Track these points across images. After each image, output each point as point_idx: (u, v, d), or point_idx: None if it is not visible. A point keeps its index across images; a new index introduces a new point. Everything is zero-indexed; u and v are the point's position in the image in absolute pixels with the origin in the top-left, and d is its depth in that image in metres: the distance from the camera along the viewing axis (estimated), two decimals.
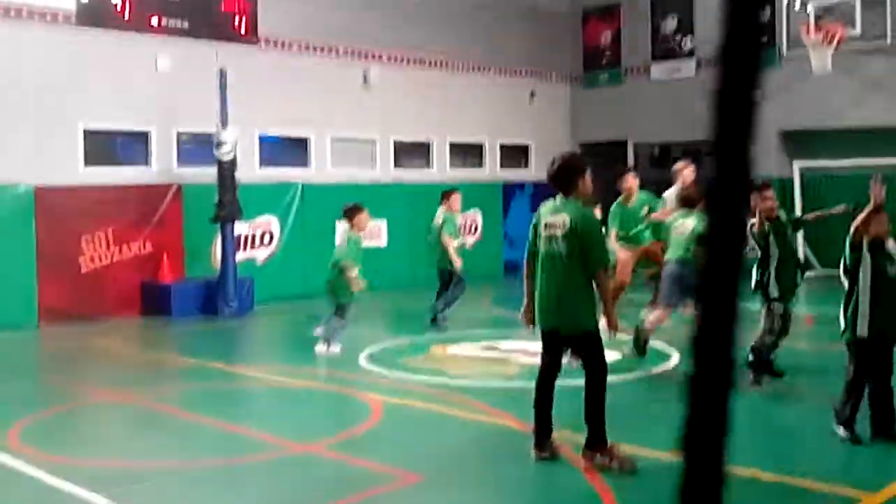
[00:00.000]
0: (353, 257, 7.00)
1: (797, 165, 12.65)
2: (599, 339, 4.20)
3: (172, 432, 5.09)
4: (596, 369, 4.15)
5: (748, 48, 0.59)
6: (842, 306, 4.35)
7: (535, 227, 4.27)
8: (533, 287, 4.23)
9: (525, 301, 4.31)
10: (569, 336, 4.18)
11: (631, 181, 8.06)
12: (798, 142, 12.75)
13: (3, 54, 9.01)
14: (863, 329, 4.23)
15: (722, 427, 0.57)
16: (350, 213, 7.20)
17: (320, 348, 6.97)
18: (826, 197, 11.40)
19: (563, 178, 4.23)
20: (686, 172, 8.02)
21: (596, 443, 4.07)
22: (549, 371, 4.25)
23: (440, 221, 8.37)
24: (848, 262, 4.32)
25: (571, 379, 6.00)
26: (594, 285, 4.13)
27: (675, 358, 6.61)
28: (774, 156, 13.07)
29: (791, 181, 12.66)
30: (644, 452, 4.28)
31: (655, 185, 14.57)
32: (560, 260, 4.10)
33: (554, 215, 4.18)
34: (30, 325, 8.77)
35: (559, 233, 4.11)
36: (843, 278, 4.37)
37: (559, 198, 4.25)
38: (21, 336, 8.37)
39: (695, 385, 0.58)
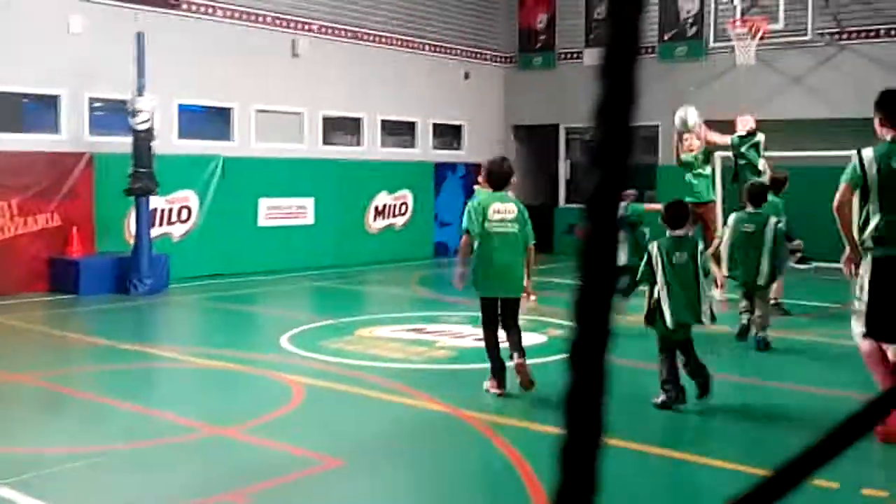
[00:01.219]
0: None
1: (718, 155, 13.03)
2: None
3: (79, 416, 4.83)
4: (517, 322, 5.20)
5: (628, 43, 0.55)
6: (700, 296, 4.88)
7: (484, 212, 5.10)
8: (475, 261, 5.10)
9: (461, 270, 5.15)
10: (507, 298, 5.11)
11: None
12: (719, 132, 13.13)
13: None
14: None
15: (600, 395, 0.61)
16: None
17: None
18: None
19: (507, 178, 5.29)
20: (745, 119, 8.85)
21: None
22: (496, 331, 5.13)
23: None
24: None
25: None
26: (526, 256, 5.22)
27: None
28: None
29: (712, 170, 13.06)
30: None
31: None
32: (511, 238, 5.13)
33: (502, 203, 5.15)
34: None
35: (510, 217, 5.14)
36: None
37: (501, 191, 5.21)
38: None
39: (575, 353, 0.61)
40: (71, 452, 4.05)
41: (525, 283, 5.15)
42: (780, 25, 11.94)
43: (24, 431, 4.51)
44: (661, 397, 4.74)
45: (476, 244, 5.04)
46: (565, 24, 14.50)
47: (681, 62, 13.48)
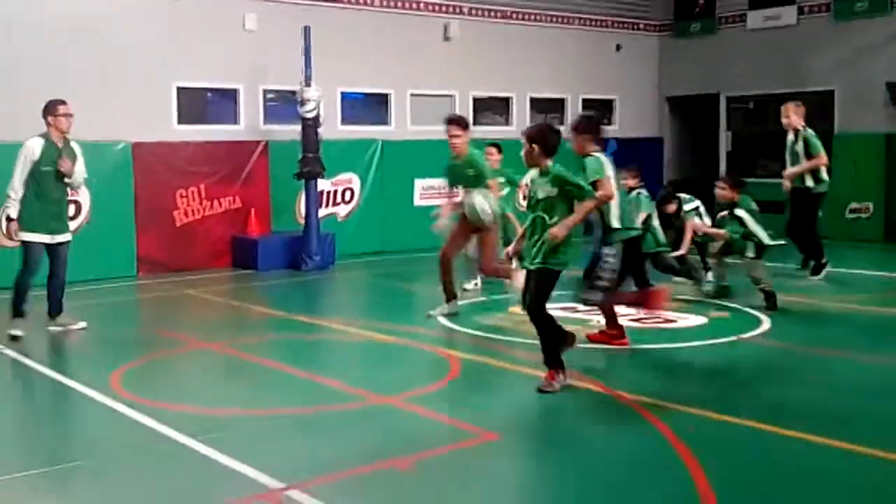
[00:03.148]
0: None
1: None
2: None
3: (258, 381, 5.30)
4: None
5: None
6: None
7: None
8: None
9: None
10: None
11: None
12: None
13: (99, 18, 9.38)
14: None
15: None
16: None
17: None
18: None
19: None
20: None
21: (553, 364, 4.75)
22: None
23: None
24: None
25: (654, 343, 5.89)
26: None
27: (766, 324, 6.36)
28: (881, 110, 12.17)
29: None
30: (726, 419, 4.16)
31: (750, 139, 13.99)
32: None
33: None
34: (129, 275, 9.31)
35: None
36: None
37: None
38: (121, 286, 8.90)
39: None
40: (252, 414, 4.47)
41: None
42: None
43: (213, 393, 5.04)
44: None
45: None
46: None
47: (860, 20, 12.21)
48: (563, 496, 3.49)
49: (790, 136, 8.49)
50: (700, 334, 6.09)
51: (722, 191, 7.23)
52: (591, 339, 5.75)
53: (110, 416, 4.48)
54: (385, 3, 11.42)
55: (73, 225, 9.19)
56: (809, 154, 8.28)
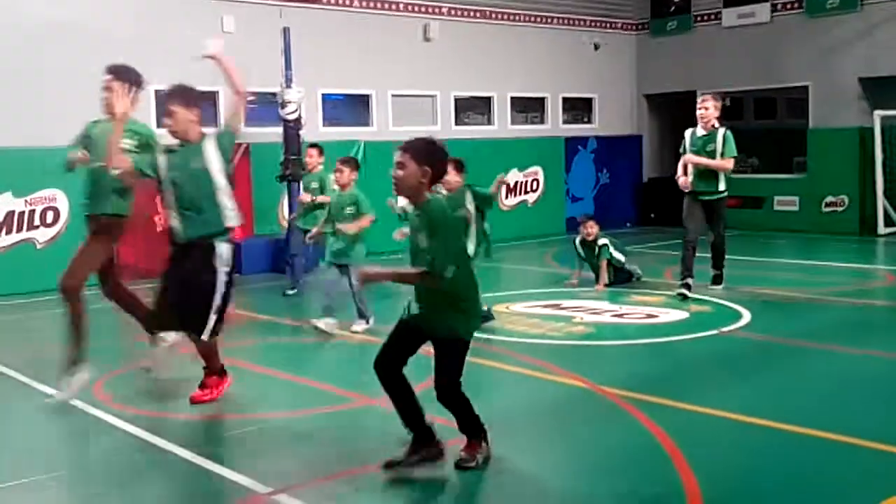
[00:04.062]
0: None
1: (878, 115, 11.97)
2: None
3: (244, 385, 5.27)
4: None
5: None
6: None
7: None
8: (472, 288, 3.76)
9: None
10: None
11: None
12: (880, 90, 12.05)
13: (74, 21, 9.28)
14: None
15: None
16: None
17: None
18: None
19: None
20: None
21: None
22: None
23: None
24: None
25: (637, 338, 5.95)
26: None
27: (746, 317, 6.46)
28: (854, 104, 12.40)
29: (871, 131, 12.01)
30: (708, 411, 4.23)
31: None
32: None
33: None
34: None
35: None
36: None
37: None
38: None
39: None
40: (239, 418, 4.47)
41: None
42: None
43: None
44: None
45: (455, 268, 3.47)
46: None
47: (832, 15, 12.43)
48: (550, 491, 3.53)
49: (699, 131, 7.30)
50: (682, 328, 6.18)
51: (447, 174, 6.35)
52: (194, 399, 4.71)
53: (95, 425, 4.44)
54: (365, 3, 11.42)
55: (51, 232, 9.15)
56: (724, 154, 7.21)
